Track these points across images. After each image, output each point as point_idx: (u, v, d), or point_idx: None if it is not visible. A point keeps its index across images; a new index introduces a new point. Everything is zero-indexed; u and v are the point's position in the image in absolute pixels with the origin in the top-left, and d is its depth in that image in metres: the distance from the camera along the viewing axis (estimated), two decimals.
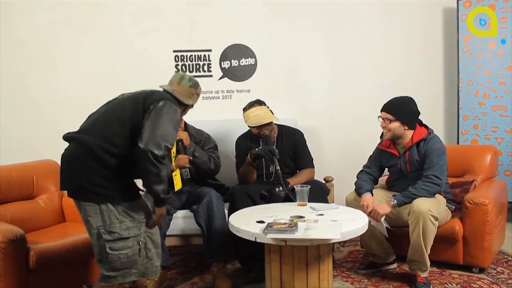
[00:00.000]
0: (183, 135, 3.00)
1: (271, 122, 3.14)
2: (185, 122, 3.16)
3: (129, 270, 2.08)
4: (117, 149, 2.03)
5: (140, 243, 2.08)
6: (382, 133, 3.01)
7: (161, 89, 2.35)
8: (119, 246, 2.03)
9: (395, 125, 2.82)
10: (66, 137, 2.12)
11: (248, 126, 3.14)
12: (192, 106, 2.40)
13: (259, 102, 3.15)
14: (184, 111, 2.38)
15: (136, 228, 2.07)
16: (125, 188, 2.08)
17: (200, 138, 3.20)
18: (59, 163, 3.24)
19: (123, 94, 2.27)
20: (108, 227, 2.02)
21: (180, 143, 2.95)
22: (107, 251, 2.02)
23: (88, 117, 2.19)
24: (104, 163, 2.00)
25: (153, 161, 1.95)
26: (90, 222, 2.04)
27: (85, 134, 2.08)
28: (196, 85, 2.39)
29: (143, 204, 2.14)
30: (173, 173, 2.49)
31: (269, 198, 2.91)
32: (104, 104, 2.22)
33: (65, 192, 3.22)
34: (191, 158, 2.94)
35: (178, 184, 2.51)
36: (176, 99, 2.26)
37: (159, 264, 2.22)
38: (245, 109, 3.15)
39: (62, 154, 2.11)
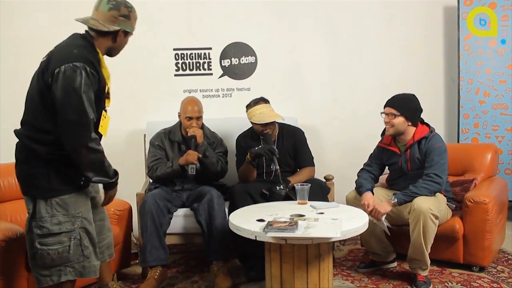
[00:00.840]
0: (198, 132, 3.01)
1: (275, 121, 3.13)
2: (202, 123, 3.15)
3: (64, 268, 1.99)
4: (43, 135, 1.93)
5: (72, 239, 1.98)
6: (383, 131, 3.01)
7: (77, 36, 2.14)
8: (49, 242, 1.95)
9: (399, 120, 2.81)
10: (14, 132, 2.07)
11: (252, 123, 3.13)
12: (128, 32, 2.14)
13: (264, 100, 3.14)
14: (116, 41, 2.12)
15: (69, 223, 1.97)
16: (61, 179, 1.97)
17: (213, 140, 3.21)
18: None
19: (40, 65, 2.09)
20: (38, 220, 1.95)
21: (193, 139, 2.96)
22: (36, 245, 1.95)
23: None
24: (36, 155, 1.94)
25: (81, 153, 1.88)
26: (28, 214, 2.00)
27: (21, 128, 2.04)
28: (117, 6, 2.06)
29: (83, 199, 2.05)
30: (103, 114, 2.15)
31: (270, 196, 2.91)
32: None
33: None
34: (200, 155, 2.95)
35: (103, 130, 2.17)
36: (96, 32, 2.05)
37: (98, 264, 2.12)
38: (249, 106, 3.13)
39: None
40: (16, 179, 2.09)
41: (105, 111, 2.13)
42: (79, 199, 2.03)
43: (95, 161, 1.95)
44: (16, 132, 2.03)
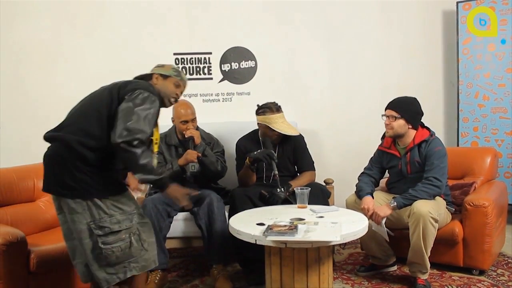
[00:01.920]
0: (195, 133, 3.03)
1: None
2: (197, 125, 3.18)
3: (128, 265, 2.07)
4: (95, 142, 2.01)
5: (132, 234, 2.07)
6: (383, 134, 3.02)
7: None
8: (111, 240, 2.02)
9: (400, 122, 2.82)
10: (46, 137, 2.12)
11: (267, 126, 3.07)
12: (182, 82, 2.31)
13: (281, 108, 3.14)
14: (177, 88, 2.30)
15: (127, 220, 2.06)
16: (111, 181, 2.06)
17: (209, 141, 3.23)
18: None
19: (102, 87, 2.23)
20: (98, 222, 2.01)
21: (191, 140, 2.99)
22: (100, 245, 2.01)
23: (68, 114, 2.18)
24: (85, 159, 1.99)
25: (128, 150, 1.93)
26: (79, 219, 2.02)
27: (64, 131, 2.07)
28: (179, 74, 2.32)
29: (130, 195, 2.14)
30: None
31: (269, 197, 2.91)
32: (82, 100, 2.20)
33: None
34: (199, 154, 2.97)
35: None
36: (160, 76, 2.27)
37: (156, 253, 2.21)
38: (269, 111, 3.07)
39: (44, 155, 2.11)
40: (51, 182, 2.09)
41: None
42: (129, 197, 2.14)
43: (137, 159, 1.97)
44: (59, 136, 2.07)
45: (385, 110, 2.89)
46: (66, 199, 2.03)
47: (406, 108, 2.84)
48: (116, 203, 2.05)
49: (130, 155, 1.94)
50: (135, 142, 1.93)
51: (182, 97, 3.68)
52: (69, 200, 2.02)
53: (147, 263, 2.14)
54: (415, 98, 2.92)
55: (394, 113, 2.83)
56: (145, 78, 2.31)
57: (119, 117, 1.98)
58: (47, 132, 2.12)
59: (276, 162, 2.92)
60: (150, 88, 2.12)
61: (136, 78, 2.32)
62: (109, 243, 2.02)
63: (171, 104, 2.33)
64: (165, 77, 2.30)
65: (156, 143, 2.27)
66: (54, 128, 2.13)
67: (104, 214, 2.02)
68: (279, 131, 3.06)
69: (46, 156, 2.10)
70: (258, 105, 3.15)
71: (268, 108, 3.09)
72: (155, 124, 2.14)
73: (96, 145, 2.01)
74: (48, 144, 2.14)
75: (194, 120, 3.11)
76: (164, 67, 2.34)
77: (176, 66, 2.44)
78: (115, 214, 2.04)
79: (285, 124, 3.10)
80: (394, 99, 2.91)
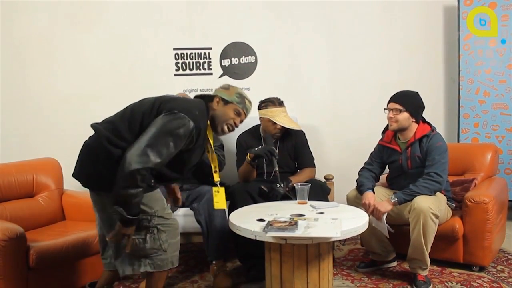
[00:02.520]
0: None
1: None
2: None
3: (144, 260, 2.10)
4: (122, 142, 2.02)
5: (149, 233, 2.07)
6: (384, 129, 3.01)
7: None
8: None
9: (404, 116, 2.81)
10: (92, 126, 2.14)
11: (271, 121, 3.09)
12: (243, 111, 2.28)
13: (283, 103, 3.16)
14: (237, 115, 2.27)
15: (145, 220, 2.06)
16: None
17: None
18: (59, 161, 3.27)
19: (164, 96, 2.20)
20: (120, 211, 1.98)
21: None
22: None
23: (119, 111, 2.20)
24: (111, 156, 2.01)
25: (132, 180, 1.88)
26: (102, 208, 2.07)
27: (102, 125, 2.10)
28: (242, 101, 2.28)
29: (157, 196, 2.13)
30: (215, 189, 2.40)
31: (269, 192, 2.90)
32: (137, 101, 2.21)
33: (65, 190, 3.24)
34: None
35: (219, 203, 2.41)
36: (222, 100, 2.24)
37: (177, 254, 2.21)
38: (271, 104, 3.11)
39: (84, 142, 2.14)
40: (81, 171, 2.10)
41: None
42: (153, 198, 2.10)
43: (130, 189, 1.91)
44: (97, 128, 2.09)
45: (388, 103, 2.88)
46: (90, 189, 2.09)
47: (410, 101, 2.83)
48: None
49: (129, 181, 1.88)
50: (143, 171, 1.88)
51: (182, 92, 3.72)
52: (92, 191, 2.08)
53: (163, 263, 2.14)
54: (417, 92, 2.92)
55: (398, 106, 2.81)
56: (206, 98, 2.27)
57: (147, 130, 1.97)
58: (95, 122, 2.14)
59: (277, 158, 2.91)
60: (192, 113, 2.04)
61: (197, 96, 2.31)
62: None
63: (223, 133, 2.28)
64: (226, 102, 2.27)
65: (214, 164, 2.37)
66: (103, 120, 2.16)
67: None
68: (281, 124, 3.06)
69: (84, 145, 2.14)
70: (260, 101, 3.17)
71: (270, 102, 3.12)
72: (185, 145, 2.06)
73: (121, 145, 2.01)
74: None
75: None
76: (228, 91, 2.31)
77: (242, 91, 2.35)
78: None
79: (287, 118, 3.11)
80: (397, 93, 2.90)
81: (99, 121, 2.17)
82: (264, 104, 3.14)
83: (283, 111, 3.11)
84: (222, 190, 2.42)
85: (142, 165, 1.87)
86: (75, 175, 2.13)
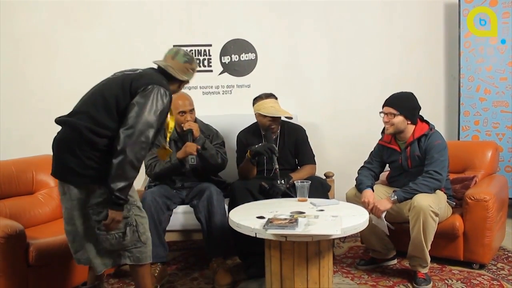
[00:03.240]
0: (194, 126, 2.98)
1: (280, 119, 3.14)
2: (195, 117, 3.15)
3: (123, 253, 2.11)
4: (105, 131, 2.02)
5: (128, 225, 2.08)
6: (383, 129, 3.00)
7: (154, 66, 2.30)
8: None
9: (399, 119, 2.80)
10: (57, 121, 2.12)
11: (260, 115, 3.10)
12: (187, 81, 2.34)
13: (274, 96, 3.17)
14: (179, 87, 2.33)
15: (125, 209, 2.06)
16: None
17: (208, 133, 3.18)
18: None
19: (114, 74, 2.23)
20: (96, 207, 2.03)
21: (189, 133, 2.94)
22: (96, 231, 2.04)
23: (80, 100, 2.18)
24: (93, 145, 2.00)
25: (130, 167, 1.96)
26: (80, 204, 2.04)
27: (74, 117, 2.08)
28: (191, 60, 2.30)
29: (133, 188, 2.13)
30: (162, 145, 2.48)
31: (270, 189, 2.90)
32: (95, 86, 2.21)
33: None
34: (199, 147, 2.93)
35: (162, 155, 2.51)
36: (169, 75, 2.22)
37: (151, 249, 2.21)
38: (260, 98, 3.13)
39: (54, 138, 2.11)
40: (58, 167, 2.09)
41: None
42: (131, 189, 2.09)
43: (127, 174, 1.98)
44: (70, 121, 2.07)
45: (383, 107, 2.87)
46: (70, 185, 2.05)
47: (404, 104, 2.83)
48: None
49: (128, 167, 1.96)
50: (136, 162, 1.97)
51: (188, 91, 3.71)
52: (71, 186, 2.04)
53: (142, 256, 2.15)
54: (411, 93, 2.90)
55: (392, 110, 2.81)
56: (165, 74, 2.26)
57: (131, 114, 1.98)
58: (58, 116, 2.13)
59: (277, 156, 2.91)
60: (163, 82, 2.13)
61: (157, 65, 2.31)
62: (104, 230, 2.03)
63: (180, 89, 2.37)
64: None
65: (170, 131, 2.38)
66: (67, 114, 2.13)
67: (103, 200, 2.02)
68: (266, 114, 3.05)
69: (55, 140, 2.11)
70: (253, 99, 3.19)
71: (259, 97, 3.14)
72: (166, 116, 2.16)
73: (105, 133, 2.01)
74: (50, 133, 2.16)
75: (192, 111, 3.06)
76: (176, 58, 2.30)
77: (182, 51, 2.35)
78: None
79: (275, 108, 3.09)
80: (390, 96, 2.88)
81: None
82: (255, 100, 3.16)
83: (270, 102, 3.09)
84: (169, 150, 2.47)
85: (136, 154, 1.95)
86: (54, 172, 2.12)
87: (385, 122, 2.86)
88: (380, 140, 3.06)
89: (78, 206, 2.06)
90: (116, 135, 1.98)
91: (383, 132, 3.04)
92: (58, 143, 2.09)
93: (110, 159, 1.97)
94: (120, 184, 1.96)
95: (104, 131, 2.01)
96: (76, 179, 2.03)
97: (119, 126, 2.00)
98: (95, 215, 2.04)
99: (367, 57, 4.16)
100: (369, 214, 2.57)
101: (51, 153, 3.22)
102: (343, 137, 4.14)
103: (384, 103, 2.88)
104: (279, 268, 2.26)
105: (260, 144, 2.99)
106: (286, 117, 3.16)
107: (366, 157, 3.09)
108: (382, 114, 2.87)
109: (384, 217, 2.74)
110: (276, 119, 3.08)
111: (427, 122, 2.91)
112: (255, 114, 3.17)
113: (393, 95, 2.89)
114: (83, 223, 2.08)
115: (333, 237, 2.17)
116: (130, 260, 2.14)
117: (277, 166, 2.88)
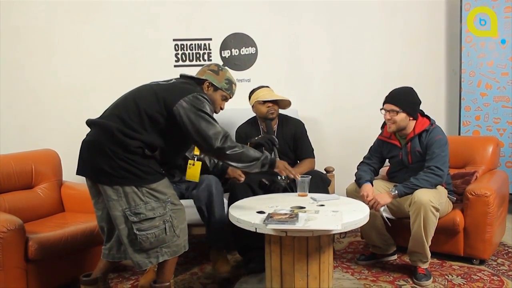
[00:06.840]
0: None
1: (278, 105, 3.19)
2: None
3: (160, 250, 2.12)
4: (135, 134, 2.05)
5: (166, 221, 2.11)
6: (383, 123, 2.99)
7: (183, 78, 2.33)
8: (146, 227, 2.06)
9: (401, 116, 2.78)
10: (88, 122, 2.15)
11: (260, 102, 3.15)
12: (217, 88, 2.35)
13: (268, 87, 3.25)
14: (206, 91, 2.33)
15: (161, 207, 2.09)
16: (148, 169, 2.08)
17: None
18: (58, 152, 3.25)
19: (145, 85, 2.26)
20: (133, 209, 2.05)
21: None
22: (135, 232, 2.06)
23: (111, 105, 2.20)
24: (125, 146, 2.02)
25: (227, 155, 2.14)
26: (115, 206, 2.06)
27: (105, 119, 2.10)
28: (230, 88, 2.39)
29: (167, 183, 2.17)
30: (190, 162, 2.55)
31: (270, 185, 2.89)
32: (126, 93, 2.23)
33: (64, 181, 3.22)
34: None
35: (191, 176, 2.59)
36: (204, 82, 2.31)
37: (187, 237, 2.26)
38: (254, 90, 3.23)
39: (83, 140, 2.13)
40: (90, 168, 2.10)
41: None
42: (165, 185, 2.15)
43: (236, 154, 2.18)
44: (101, 123, 2.09)
45: (384, 104, 2.85)
46: (104, 185, 2.06)
47: (406, 101, 2.80)
48: (152, 191, 2.08)
49: (228, 158, 2.17)
50: (225, 144, 2.12)
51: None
52: (106, 187, 2.05)
53: (178, 249, 2.18)
54: (411, 88, 2.87)
55: (394, 107, 2.78)
56: (195, 80, 2.33)
57: (195, 134, 2.10)
58: (89, 119, 2.15)
59: (277, 147, 2.90)
60: (192, 87, 2.21)
61: (184, 76, 2.33)
62: (143, 230, 2.06)
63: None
64: (215, 88, 2.35)
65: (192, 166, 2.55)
66: (98, 116, 2.16)
67: (140, 201, 2.05)
68: (264, 99, 3.12)
69: (85, 142, 2.12)
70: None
71: (253, 90, 3.25)
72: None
73: (135, 136, 2.05)
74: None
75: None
76: (218, 76, 2.36)
77: (230, 76, 2.42)
78: (150, 202, 2.07)
79: (269, 94, 3.17)
80: (391, 92, 2.86)
81: (97, 112, 2.17)
82: (250, 94, 3.24)
83: (265, 90, 3.19)
84: (198, 164, 2.56)
85: (221, 144, 2.12)
86: (83, 173, 2.13)
87: (387, 120, 2.83)
88: (380, 135, 3.04)
89: (112, 207, 2.07)
90: (149, 142, 2.06)
91: (382, 127, 3.02)
92: (89, 144, 2.10)
93: (142, 162, 2.05)
94: (241, 164, 2.22)
95: (135, 134, 2.05)
96: (109, 179, 2.04)
97: (151, 135, 2.07)
98: (132, 215, 2.05)
99: (367, 51, 4.14)
100: (371, 210, 2.56)
101: (50, 147, 3.25)
102: (344, 131, 4.13)
103: (385, 100, 2.85)
104: (279, 263, 2.25)
105: (260, 136, 2.99)
106: (283, 112, 3.17)
107: (366, 152, 3.08)
108: (383, 111, 2.85)
109: (383, 210, 2.73)
110: (274, 105, 3.14)
111: (427, 117, 2.89)
112: (253, 106, 3.22)
113: (393, 91, 2.86)
114: (119, 224, 2.08)
115: (333, 232, 2.16)
116: (168, 255, 2.15)
117: (277, 158, 2.88)
